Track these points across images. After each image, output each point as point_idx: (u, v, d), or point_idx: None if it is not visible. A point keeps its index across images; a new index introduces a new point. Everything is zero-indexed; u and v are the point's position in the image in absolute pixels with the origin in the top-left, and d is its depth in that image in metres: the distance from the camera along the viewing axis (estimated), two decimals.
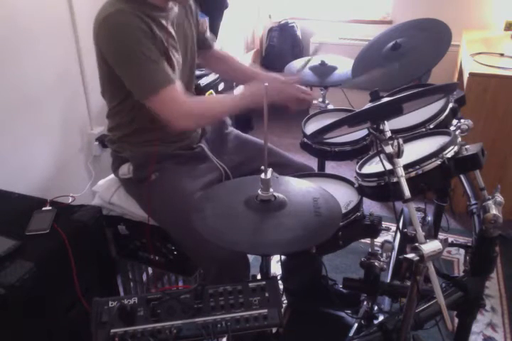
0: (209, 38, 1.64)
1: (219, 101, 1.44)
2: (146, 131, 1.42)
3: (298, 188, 1.12)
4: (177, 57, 1.38)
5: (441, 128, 1.39)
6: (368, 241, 1.32)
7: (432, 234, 1.83)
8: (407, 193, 0.98)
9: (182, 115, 1.29)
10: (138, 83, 1.26)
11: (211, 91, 2.58)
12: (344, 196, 1.31)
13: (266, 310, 0.90)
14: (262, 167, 0.99)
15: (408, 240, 1.35)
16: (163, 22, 1.33)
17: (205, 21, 1.63)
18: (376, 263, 1.30)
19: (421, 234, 0.96)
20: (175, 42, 1.38)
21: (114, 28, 1.23)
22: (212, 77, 2.55)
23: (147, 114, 1.36)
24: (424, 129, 1.42)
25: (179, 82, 1.31)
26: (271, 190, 1.01)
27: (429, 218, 1.84)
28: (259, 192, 1.01)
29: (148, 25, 1.25)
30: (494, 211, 1.15)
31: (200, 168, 1.49)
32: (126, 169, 1.48)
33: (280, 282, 1.31)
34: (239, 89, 1.36)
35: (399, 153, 0.98)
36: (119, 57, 1.25)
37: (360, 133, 1.62)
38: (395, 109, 1.04)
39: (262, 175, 0.99)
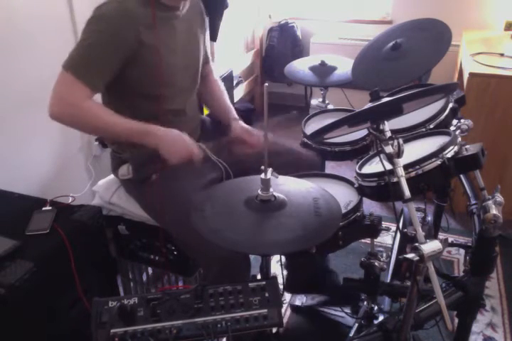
0: (206, 55, 1.63)
1: (112, 120, 1.30)
2: None
3: (298, 188, 1.12)
4: (169, 59, 1.37)
5: (441, 128, 1.39)
6: (368, 241, 1.32)
7: (431, 234, 1.83)
8: (407, 193, 0.98)
9: (60, 101, 1.27)
10: (71, 52, 1.27)
11: None
12: (344, 196, 1.31)
13: (266, 310, 0.90)
14: (262, 167, 0.98)
15: (408, 240, 1.35)
16: (165, 22, 1.34)
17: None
18: (376, 263, 1.30)
19: (421, 234, 0.96)
20: (174, 44, 1.38)
21: (105, 10, 1.25)
22: None
23: (145, 115, 1.37)
24: (424, 129, 1.42)
25: (90, 91, 1.27)
26: (271, 190, 1.01)
27: (429, 218, 1.84)
28: (259, 192, 1.01)
29: (135, 25, 1.25)
30: (494, 211, 1.15)
31: (201, 167, 1.49)
32: (125, 170, 1.48)
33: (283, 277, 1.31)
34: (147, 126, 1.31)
35: (399, 153, 0.98)
36: (85, 26, 1.27)
37: (360, 133, 1.62)
38: (395, 109, 1.04)
39: (262, 175, 0.99)
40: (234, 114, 1.60)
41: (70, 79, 1.25)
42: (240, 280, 1.27)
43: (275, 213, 0.99)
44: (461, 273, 1.38)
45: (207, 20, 1.58)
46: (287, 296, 1.89)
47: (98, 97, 1.46)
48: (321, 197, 1.06)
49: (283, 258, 1.72)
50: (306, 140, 1.76)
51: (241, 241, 0.95)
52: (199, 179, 1.44)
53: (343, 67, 2.16)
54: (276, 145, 1.57)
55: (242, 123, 1.57)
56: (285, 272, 1.67)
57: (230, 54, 3.25)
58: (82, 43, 1.26)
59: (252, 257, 2.12)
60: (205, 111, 1.70)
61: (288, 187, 1.10)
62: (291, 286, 1.78)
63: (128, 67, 1.31)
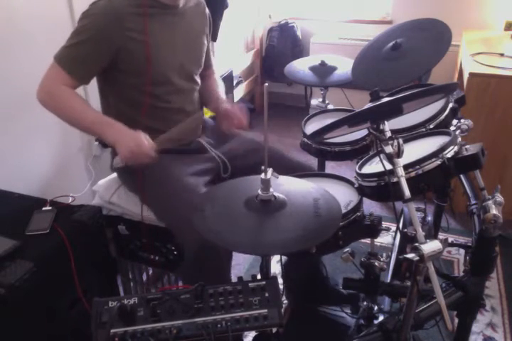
0: (209, 59, 1.64)
1: (83, 110, 1.33)
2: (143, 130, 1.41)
3: (298, 188, 1.12)
4: (167, 57, 1.38)
5: (441, 128, 1.39)
6: (368, 241, 1.32)
7: (431, 234, 1.83)
8: (407, 193, 0.98)
9: (44, 88, 1.33)
10: (63, 45, 1.32)
11: None
12: (344, 196, 1.31)
13: (266, 310, 0.90)
14: (263, 167, 0.98)
15: (408, 240, 1.35)
16: (160, 19, 1.35)
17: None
18: (376, 263, 1.30)
19: (421, 234, 0.96)
20: (172, 42, 1.39)
21: (93, 7, 1.31)
22: None
23: (143, 111, 1.38)
24: (424, 129, 1.42)
25: (75, 82, 1.32)
26: (271, 190, 1.01)
27: (429, 218, 1.84)
28: (260, 192, 1.01)
29: (121, 23, 1.28)
30: (494, 211, 1.15)
31: (196, 157, 1.49)
32: (119, 158, 1.48)
33: (281, 281, 1.31)
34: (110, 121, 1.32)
35: (399, 153, 0.98)
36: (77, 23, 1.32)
37: (360, 133, 1.62)
38: (395, 109, 1.04)
39: (262, 175, 0.99)
40: (224, 101, 1.59)
41: (57, 70, 1.31)
42: (219, 275, 1.27)
43: (275, 213, 0.99)
44: (461, 273, 1.38)
45: (210, 26, 1.58)
46: None
47: (96, 94, 1.46)
48: (321, 198, 1.06)
49: (283, 262, 1.72)
50: (306, 140, 1.76)
51: (241, 242, 0.95)
52: (191, 166, 1.44)
53: (343, 67, 2.16)
54: (273, 152, 1.58)
55: (225, 104, 1.55)
56: (285, 275, 1.68)
57: (230, 54, 3.25)
58: (72, 36, 1.31)
59: (252, 257, 2.12)
60: (206, 113, 1.70)
61: (288, 187, 1.10)
62: (292, 294, 1.79)
63: (119, 62, 1.32)
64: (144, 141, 1.28)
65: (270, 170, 0.99)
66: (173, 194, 1.36)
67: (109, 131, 1.31)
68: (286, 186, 1.09)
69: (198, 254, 1.27)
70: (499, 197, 1.19)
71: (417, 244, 0.94)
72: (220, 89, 1.66)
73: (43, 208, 1.43)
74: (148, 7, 1.31)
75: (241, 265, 2.12)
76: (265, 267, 1.11)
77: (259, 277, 1.07)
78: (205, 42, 1.55)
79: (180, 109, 1.48)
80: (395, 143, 0.98)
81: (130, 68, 1.34)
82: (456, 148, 1.15)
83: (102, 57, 1.31)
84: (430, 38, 1.73)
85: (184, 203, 1.28)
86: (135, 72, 1.35)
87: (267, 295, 0.93)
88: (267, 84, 0.96)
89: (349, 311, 1.67)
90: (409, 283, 1.04)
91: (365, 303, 1.51)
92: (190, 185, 1.35)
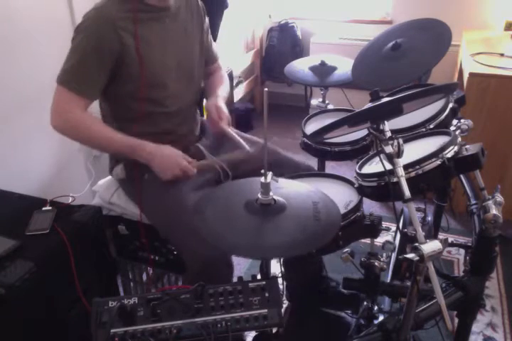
0: (212, 54, 1.64)
1: (104, 136, 1.34)
2: (140, 135, 1.40)
3: (298, 192, 1.11)
4: (161, 60, 1.37)
5: (441, 128, 1.39)
6: (368, 241, 1.32)
7: (431, 234, 1.83)
8: (407, 193, 0.98)
9: (59, 116, 1.32)
10: (62, 67, 1.30)
11: None
12: (344, 196, 1.31)
13: (266, 310, 0.90)
14: (262, 170, 0.98)
15: (408, 240, 1.35)
16: (150, 23, 1.34)
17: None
18: (376, 263, 1.30)
19: (421, 234, 0.96)
20: (164, 45, 1.38)
21: (84, 20, 1.29)
22: None
23: (138, 116, 1.38)
24: (424, 129, 1.42)
25: (87, 100, 1.32)
26: (271, 193, 1.00)
27: (429, 218, 1.84)
28: (259, 195, 1.01)
29: (115, 28, 1.26)
30: (494, 211, 1.15)
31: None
32: (119, 170, 1.49)
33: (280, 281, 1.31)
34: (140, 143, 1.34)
35: (399, 153, 0.98)
36: (71, 43, 1.30)
37: (360, 133, 1.62)
38: (395, 109, 1.04)
39: (262, 179, 0.99)
40: (218, 93, 1.58)
41: (65, 93, 1.29)
42: (221, 280, 1.28)
43: (275, 217, 0.99)
44: (461, 273, 1.38)
45: (207, 20, 1.57)
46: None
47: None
48: (320, 202, 1.06)
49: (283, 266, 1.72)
50: (306, 140, 1.76)
51: (240, 244, 0.95)
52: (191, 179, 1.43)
53: (343, 67, 2.16)
54: (272, 154, 1.57)
55: (219, 101, 1.54)
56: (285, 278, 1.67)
57: (230, 54, 3.25)
58: (70, 55, 1.29)
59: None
60: (206, 113, 1.69)
61: (288, 190, 1.10)
62: (293, 294, 1.78)
63: (117, 68, 1.31)
64: (187, 164, 1.32)
65: (270, 174, 0.99)
66: (172, 214, 1.34)
67: (143, 154, 1.33)
68: (285, 189, 1.09)
69: (199, 270, 1.27)
70: (499, 197, 1.19)
71: (417, 244, 0.94)
72: (223, 86, 1.65)
73: (43, 208, 1.43)
74: (138, 11, 1.30)
75: (241, 265, 2.12)
76: (265, 267, 1.11)
77: (259, 277, 1.07)
78: (200, 41, 1.52)
79: (178, 113, 1.47)
80: (395, 143, 0.98)
81: (125, 74, 1.33)
82: (456, 148, 1.15)
83: (106, 67, 1.29)
84: (430, 38, 1.73)
85: (184, 224, 1.27)
86: (130, 77, 1.33)
87: (267, 295, 0.93)
88: (266, 89, 0.96)
89: (349, 311, 1.68)
90: (409, 283, 1.04)
91: (365, 303, 1.51)
92: (190, 205, 1.31)
